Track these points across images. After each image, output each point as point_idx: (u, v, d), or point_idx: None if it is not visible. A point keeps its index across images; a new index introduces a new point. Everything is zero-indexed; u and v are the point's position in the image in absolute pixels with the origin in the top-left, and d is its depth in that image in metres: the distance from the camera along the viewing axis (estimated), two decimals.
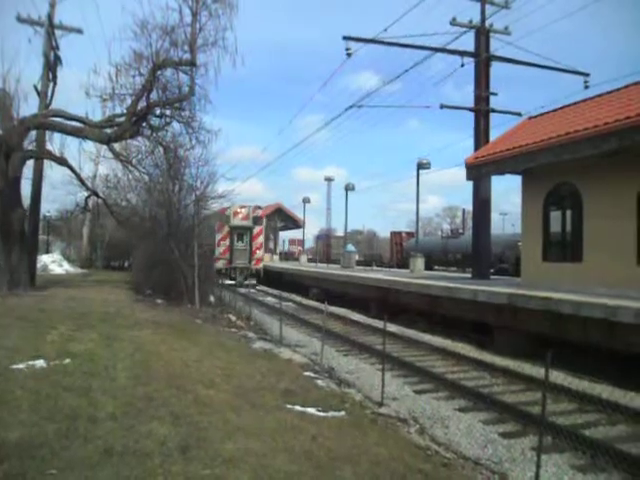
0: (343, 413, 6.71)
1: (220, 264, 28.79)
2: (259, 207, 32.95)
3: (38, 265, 23.59)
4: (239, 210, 30.86)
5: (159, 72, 16.04)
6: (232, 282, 28.68)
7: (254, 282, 30.29)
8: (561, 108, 15.69)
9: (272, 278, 32.16)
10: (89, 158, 32.56)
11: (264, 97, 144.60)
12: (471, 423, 7.15)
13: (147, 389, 6.48)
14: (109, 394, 6.12)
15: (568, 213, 13.91)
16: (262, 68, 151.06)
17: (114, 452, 4.42)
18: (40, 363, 7.26)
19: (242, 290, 25.19)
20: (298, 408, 6.57)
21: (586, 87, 19.71)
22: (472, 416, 7.50)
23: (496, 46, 19.26)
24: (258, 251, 31.82)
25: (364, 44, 19.29)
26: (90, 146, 28.05)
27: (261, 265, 32.03)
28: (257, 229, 31.77)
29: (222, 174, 36.11)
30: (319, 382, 8.67)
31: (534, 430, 6.51)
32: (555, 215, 14.29)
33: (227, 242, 30.71)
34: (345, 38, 18.75)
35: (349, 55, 18.80)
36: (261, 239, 32.42)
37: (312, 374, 9.28)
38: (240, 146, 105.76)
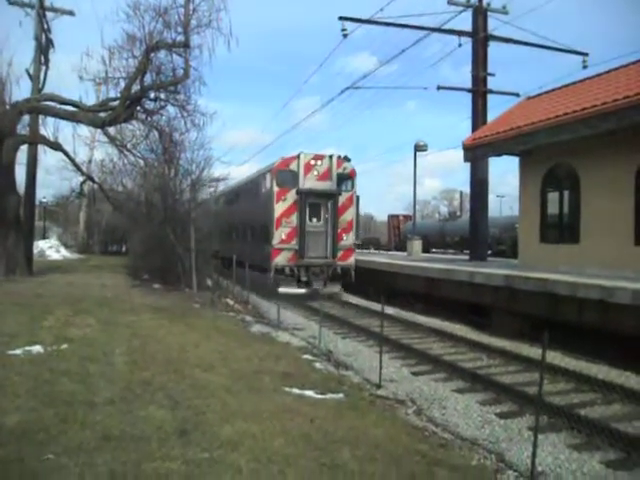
0: (341, 395, 6.74)
1: (281, 259, 17.52)
2: (346, 158, 18.96)
3: (35, 251, 23.50)
4: (313, 162, 18.04)
5: (152, 54, 15.80)
6: (301, 291, 17.43)
7: (337, 289, 18.10)
8: (559, 88, 15.56)
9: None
10: (84, 143, 32.26)
11: (261, 79, 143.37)
12: (468, 404, 7.20)
13: (145, 374, 6.49)
14: (107, 379, 6.13)
15: (565, 194, 13.89)
16: (258, 50, 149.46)
17: (112, 437, 4.43)
18: (37, 348, 7.26)
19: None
20: (296, 391, 6.59)
21: (584, 67, 19.54)
22: (469, 397, 7.55)
23: (494, 25, 19.02)
24: (346, 235, 18.33)
25: (360, 24, 19.00)
26: (84, 130, 27.87)
27: (351, 260, 18.41)
28: (345, 196, 18.37)
29: (218, 157, 34.79)
30: (317, 365, 8.70)
31: (531, 410, 6.56)
32: (552, 196, 14.26)
33: (293, 220, 17.70)
34: (341, 18, 18.50)
35: (345, 36, 18.57)
36: (351, 213, 18.72)
37: (310, 357, 9.31)
38: (237, 129, 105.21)
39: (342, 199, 18.23)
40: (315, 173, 17.99)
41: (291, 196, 17.65)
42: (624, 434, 5.86)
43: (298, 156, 17.84)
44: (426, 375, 8.74)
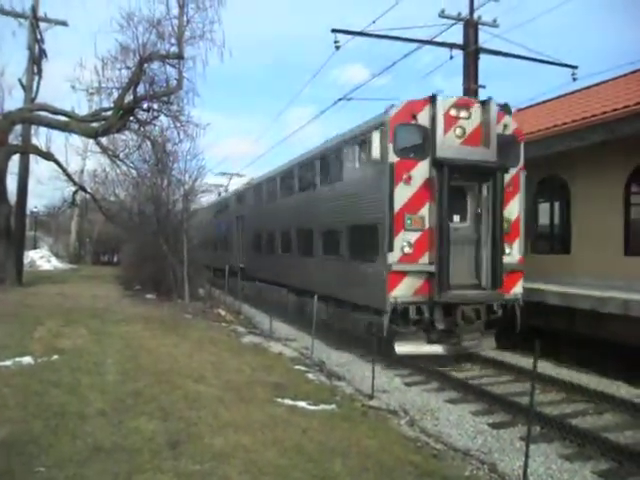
0: (333, 406, 6.73)
1: (404, 291, 9.51)
2: (506, 107, 10.96)
3: (25, 261, 23.38)
4: (455, 113, 9.99)
5: (146, 65, 15.88)
6: (436, 350, 9.92)
7: (492, 345, 10.51)
8: (549, 100, 15.76)
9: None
10: (76, 153, 32.27)
11: (255, 89, 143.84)
12: (461, 414, 7.20)
13: (136, 385, 6.46)
14: (98, 390, 6.10)
15: (556, 205, 14.01)
16: (253, 61, 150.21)
17: (103, 448, 4.40)
18: (27, 360, 7.21)
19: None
20: (288, 402, 6.57)
21: (574, 80, 19.78)
22: (462, 407, 7.55)
23: (484, 38, 19.26)
24: (508, 246, 10.26)
25: (353, 37, 19.17)
26: (77, 140, 27.81)
27: (517, 290, 10.29)
28: (512, 173, 10.35)
29: (210, 168, 34.28)
30: (309, 375, 8.67)
31: (523, 420, 6.57)
32: (543, 207, 14.39)
33: (424, 216, 9.72)
34: (334, 31, 18.59)
35: (338, 48, 18.72)
36: (517, 206, 10.48)
37: (303, 368, 9.29)
38: (231, 139, 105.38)
39: (508, 178, 10.19)
40: (459, 132, 9.95)
41: (420, 173, 9.70)
42: (616, 444, 5.90)
43: (432, 99, 9.79)
44: (418, 386, 8.74)
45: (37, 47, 19.85)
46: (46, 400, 5.60)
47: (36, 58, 19.68)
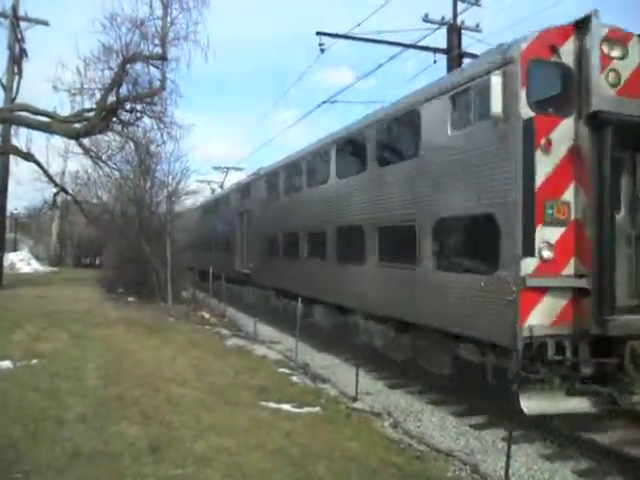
0: (318, 409, 6.72)
1: (542, 317, 6.11)
2: None
3: (5, 264, 22.98)
4: (607, 49, 6.52)
5: (129, 66, 15.77)
6: (583, 405, 6.29)
7: None
8: None
9: None
10: (57, 154, 31.87)
11: (240, 92, 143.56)
12: (443, 416, 7.24)
13: (118, 389, 6.39)
14: (78, 395, 6.03)
15: None
16: (238, 63, 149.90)
17: (83, 454, 4.35)
18: (6, 364, 7.11)
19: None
20: (272, 405, 6.55)
21: None
22: (444, 409, 7.59)
23: (468, 43, 19.46)
24: None
25: (338, 39, 19.23)
26: (58, 141, 27.48)
27: None
28: None
29: (196, 169, 33.93)
30: (294, 378, 8.66)
31: (505, 422, 6.62)
32: None
33: (569, 201, 6.35)
34: (318, 33, 18.63)
35: (322, 51, 18.77)
36: None
37: (287, 370, 9.26)
38: (217, 141, 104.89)
39: None
40: (612, 78, 6.71)
41: (564, 136, 6.53)
42: (595, 443, 5.98)
43: (579, 26, 6.60)
44: (402, 388, 8.75)
45: (17, 47, 19.60)
46: (25, 405, 5.53)
47: (16, 58, 19.43)
